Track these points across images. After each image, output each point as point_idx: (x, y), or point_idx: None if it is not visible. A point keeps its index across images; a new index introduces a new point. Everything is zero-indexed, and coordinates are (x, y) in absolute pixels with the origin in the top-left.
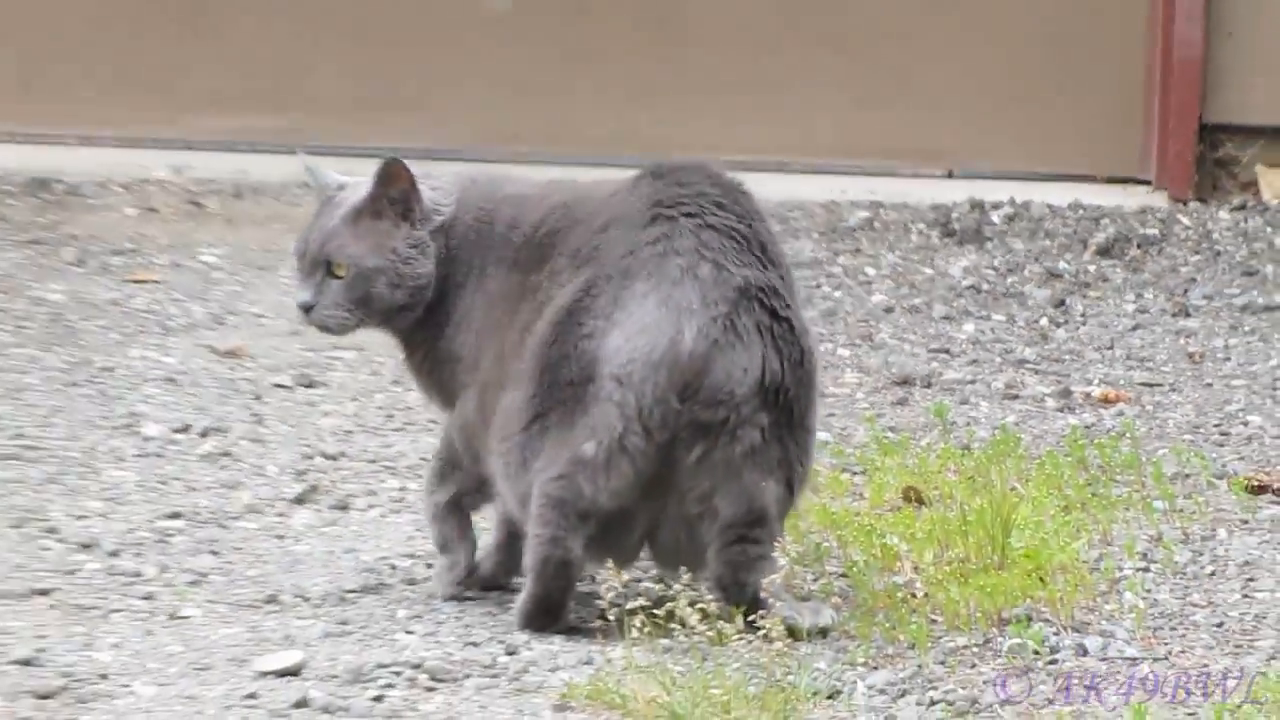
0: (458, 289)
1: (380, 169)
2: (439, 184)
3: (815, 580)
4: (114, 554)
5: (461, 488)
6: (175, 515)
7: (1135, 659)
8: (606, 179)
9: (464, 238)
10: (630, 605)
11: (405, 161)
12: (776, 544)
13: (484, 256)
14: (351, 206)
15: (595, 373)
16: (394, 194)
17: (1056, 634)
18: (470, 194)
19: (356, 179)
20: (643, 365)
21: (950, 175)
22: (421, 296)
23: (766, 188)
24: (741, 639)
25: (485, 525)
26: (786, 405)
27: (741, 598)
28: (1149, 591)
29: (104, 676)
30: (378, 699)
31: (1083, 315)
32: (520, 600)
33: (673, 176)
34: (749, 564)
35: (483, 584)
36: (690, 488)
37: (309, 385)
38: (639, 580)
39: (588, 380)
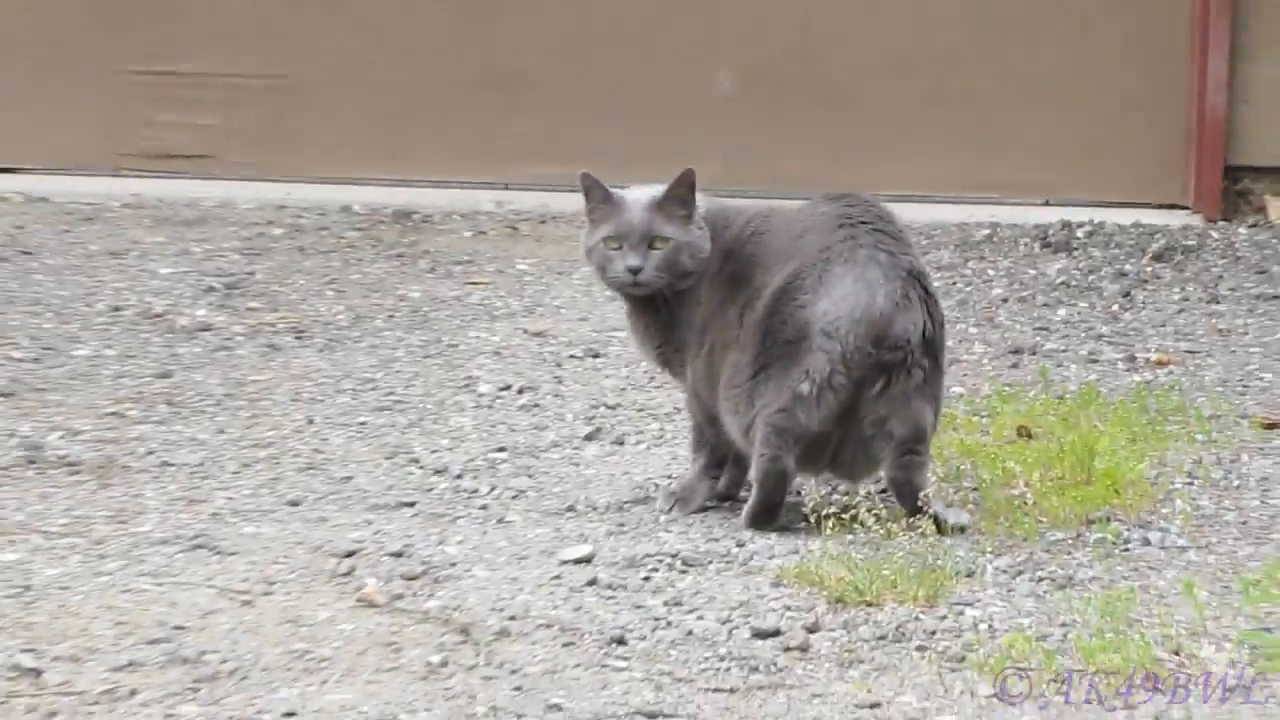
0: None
1: (680, 175)
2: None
3: (956, 493)
4: (459, 476)
5: (713, 448)
6: (501, 449)
7: (1184, 548)
8: (786, 203)
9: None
10: (825, 512)
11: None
12: (930, 458)
13: (712, 255)
14: (652, 200)
15: (808, 331)
16: (683, 193)
17: (1128, 530)
18: (707, 217)
19: (623, 189)
20: (847, 321)
21: (1047, 203)
22: (703, 267)
23: (917, 213)
24: (904, 535)
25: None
26: (934, 354)
27: (911, 495)
28: (1193, 499)
29: (453, 564)
30: (646, 579)
31: (1143, 302)
32: (747, 506)
33: (843, 201)
34: (917, 468)
35: (719, 496)
36: (868, 414)
37: (595, 356)
38: (830, 494)
39: (801, 338)
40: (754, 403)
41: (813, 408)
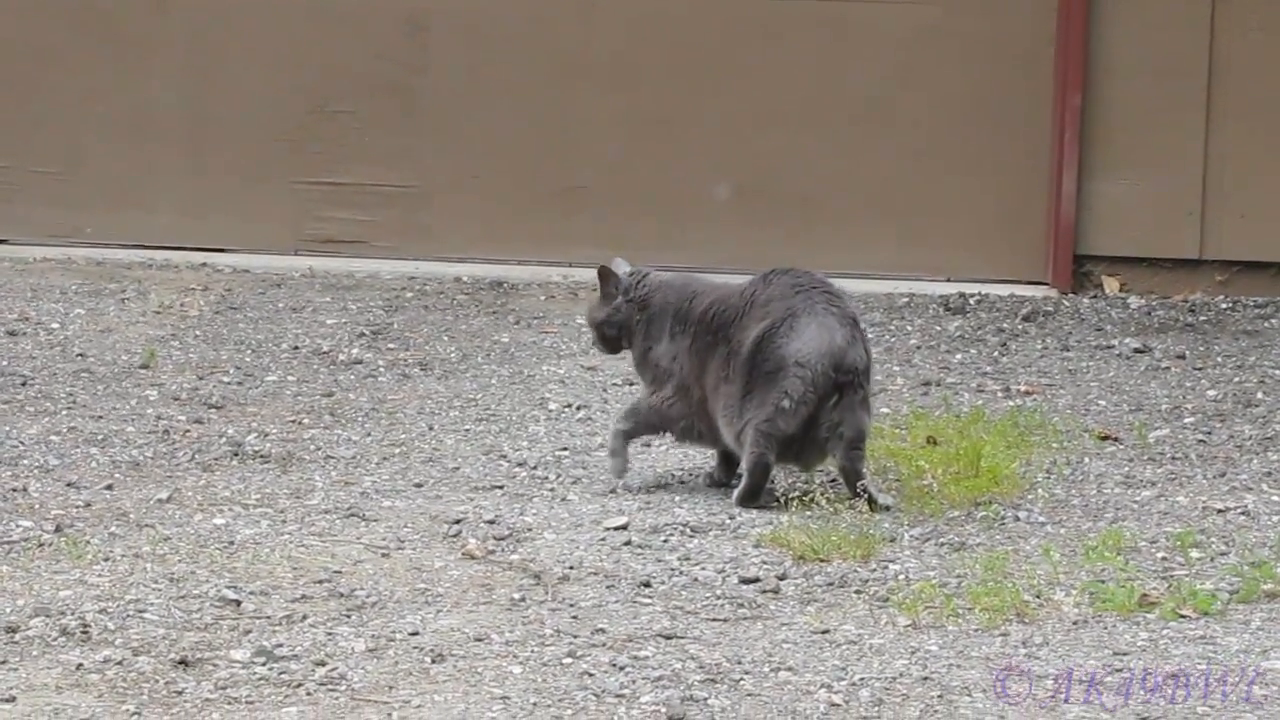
0: (660, 332)
1: (599, 269)
2: (643, 281)
3: (884, 482)
4: (534, 468)
5: (635, 429)
6: (564, 448)
7: (1044, 523)
8: (740, 280)
9: (662, 308)
10: (791, 495)
11: (608, 268)
12: (867, 454)
13: (678, 320)
14: (601, 290)
15: (784, 363)
16: (605, 285)
17: (1004, 510)
18: (669, 287)
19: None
20: (815, 355)
21: (949, 280)
22: (616, 333)
23: (857, 286)
24: (847, 511)
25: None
26: (869, 378)
27: (855, 479)
28: (1050, 489)
29: (529, 529)
30: (665, 541)
31: (1015, 350)
32: (738, 489)
33: (792, 274)
34: (859, 460)
35: (714, 484)
36: (825, 421)
37: (630, 384)
38: (795, 483)
39: (779, 368)
40: (743, 416)
41: (790, 417)
